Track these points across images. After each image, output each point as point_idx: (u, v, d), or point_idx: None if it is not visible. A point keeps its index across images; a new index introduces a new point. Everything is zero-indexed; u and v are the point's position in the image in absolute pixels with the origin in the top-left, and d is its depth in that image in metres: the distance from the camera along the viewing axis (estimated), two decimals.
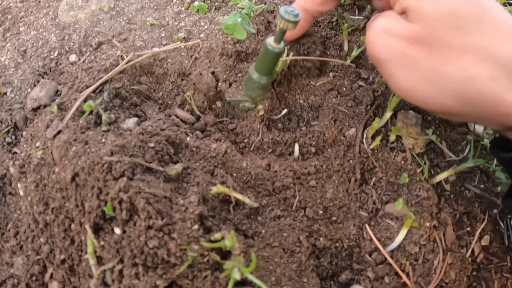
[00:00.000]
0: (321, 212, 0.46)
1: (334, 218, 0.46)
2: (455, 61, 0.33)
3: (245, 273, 0.34)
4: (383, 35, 0.37)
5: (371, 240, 0.45)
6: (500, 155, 0.39)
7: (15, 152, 0.45)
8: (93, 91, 0.45)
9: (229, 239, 0.35)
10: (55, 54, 0.50)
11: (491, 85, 0.33)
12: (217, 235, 0.36)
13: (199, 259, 0.36)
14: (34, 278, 0.40)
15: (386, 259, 0.44)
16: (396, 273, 0.43)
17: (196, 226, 0.36)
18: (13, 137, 0.46)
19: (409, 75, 0.36)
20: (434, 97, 0.36)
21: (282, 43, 0.43)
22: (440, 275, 0.43)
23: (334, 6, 0.49)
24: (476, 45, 0.33)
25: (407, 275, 0.43)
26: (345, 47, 0.58)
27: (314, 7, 0.47)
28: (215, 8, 0.57)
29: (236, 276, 0.34)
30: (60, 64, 0.49)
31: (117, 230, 0.37)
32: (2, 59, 0.50)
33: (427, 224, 0.45)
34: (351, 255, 0.45)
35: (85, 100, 0.44)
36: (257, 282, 0.34)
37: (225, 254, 0.38)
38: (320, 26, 0.63)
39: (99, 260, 0.39)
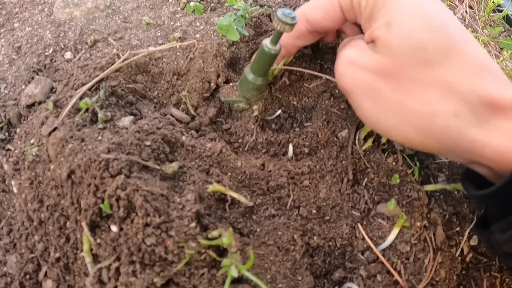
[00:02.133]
0: (314, 211, 0.47)
1: (327, 218, 0.47)
2: (419, 96, 0.33)
3: (242, 270, 0.35)
4: (350, 66, 0.37)
5: (363, 239, 0.46)
6: (471, 192, 0.37)
7: (8, 149, 0.45)
8: (89, 89, 0.45)
9: (227, 237, 0.35)
10: (50, 51, 0.49)
11: (455, 121, 0.32)
12: (214, 233, 0.36)
13: (196, 256, 0.36)
14: (28, 276, 0.40)
15: (378, 257, 0.44)
16: (388, 272, 0.43)
17: (193, 224, 0.36)
18: (6, 133, 0.45)
19: (374, 107, 0.36)
20: (397, 129, 0.36)
21: (278, 45, 0.44)
22: (431, 273, 0.44)
23: (309, 42, 0.47)
24: (441, 80, 0.32)
25: (399, 273, 0.44)
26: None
27: (290, 42, 0.46)
28: (211, 9, 0.57)
29: (234, 273, 0.34)
30: (55, 61, 0.48)
31: (114, 228, 0.37)
32: None
33: (418, 224, 0.46)
34: (343, 253, 0.46)
35: (81, 98, 0.44)
36: (254, 279, 0.35)
37: (221, 252, 0.38)
38: None
39: (95, 258, 0.38)
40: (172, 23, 0.54)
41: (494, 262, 0.47)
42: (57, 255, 0.40)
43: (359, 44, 0.38)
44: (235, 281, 0.38)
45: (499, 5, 0.70)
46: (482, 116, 0.32)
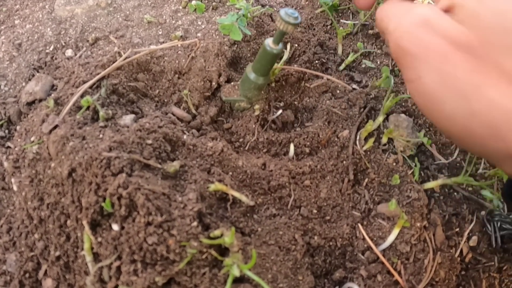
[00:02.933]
0: (315, 211, 0.47)
1: (328, 217, 0.47)
2: (503, 87, 0.27)
3: (244, 270, 0.35)
4: (423, 26, 0.30)
5: (363, 239, 0.46)
6: None
7: (8, 147, 0.44)
8: (90, 87, 0.45)
9: (229, 236, 0.35)
10: (51, 49, 0.49)
11: None
12: (216, 232, 0.36)
13: (197, 256, 0.36)
14: (27, 275, 0.40)
15: (378, 257, 0.45)
16: (388, 272, 0.44)
17: (195, 223, 0.36)
18: (6, 131, 0.45)
19: (441, 83, 0.30)
20: (462, 118, 0.29)
21: (280, 45, 0.44)
22: (431, 273, 0.44)
23: None
24: None
25: (399, 273, 0.44)
26: (339, 51, 0.60)
27: None
28: (212, 8, 0.57)
29: (236, 272, 0.34)
30: (56, 58, 0.48)
31: (115, 227, 0.37)
32: None
33: (418, 224, 0.46)
34: (344, 253, 0.46)
35: (82, 96, 0.44)
36: (256, 278, 0.35)
37: (223, 252, 0.38)
38: (314, 29, 0.64)
39: (96, 257, 0.38)
40: (173, 21, 0.54)
41: (493, 263, 0.47)
42: (57, 253, 0.40)
43: (433, 7, 0.31)
44: (237, 280, 0.38)
45: None
46: None
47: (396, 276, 0.43)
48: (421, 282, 0.44)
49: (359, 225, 0.47)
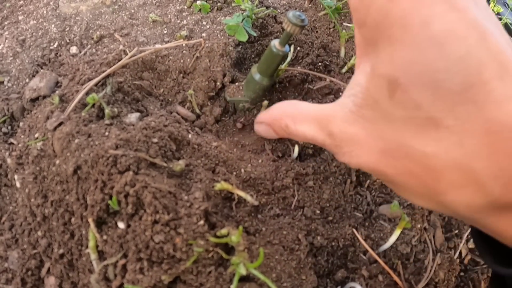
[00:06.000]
0: (318, 212, 0.47)
1: (330, 218, 0.48)
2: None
3: (250, 269, 0.35)
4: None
5: (365, 240, 0.47)
6: (499, 270, 0.26)
7: (11, 143, 0.44)
8: (95, 84, 0.45)
9: (236, 235, 0.36)
10: (55, 45, 0.49)
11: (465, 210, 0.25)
12: (223, 231, 0.36)
13: (203, 254, 0.36)
14: (30, 272, 0.39)
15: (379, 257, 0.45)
16: (389, 272, 0.44)
17: (201, 222, 0.36)
18: (9, 127, 0.45)
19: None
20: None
21: (287, 46, 0.44)
22: (430, 274, 0.45)
23: None
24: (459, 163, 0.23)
25: (398, 274, 0.45)
26: (342, 54, 0.60)
27: None
28: (217, 9, 0.57)
29: (242, 271, 0.35)
30: (60, 55, 0.48)
31: (121, 225, 0.37)
32: (0, 47, 0.48)
33: (418, 225, 0.47)
34: (346, 254, 0.47)
35: (87, 93, 0.44)
36: (262, 277, 0.35)
37: (228, 251, 0.38)
38: (317, 32, 0.65)
39: (101, 255, 0.38)
40: (178, 21, 0.54)
41: None
42: (61, 251, 0.40)
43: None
44: (242, 279, 0.38)
45: (498, 14, 0.72)
46: (508, 207, 0.23)
47: (395, 277, 0.44)
48: (420, 283, 0.45)
49: (354, 230, 0.47)
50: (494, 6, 0.74)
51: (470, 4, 0.22)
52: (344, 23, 0.65)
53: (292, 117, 0.35)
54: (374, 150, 0.27)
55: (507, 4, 0.75)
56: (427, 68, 0.22)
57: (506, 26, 0.72)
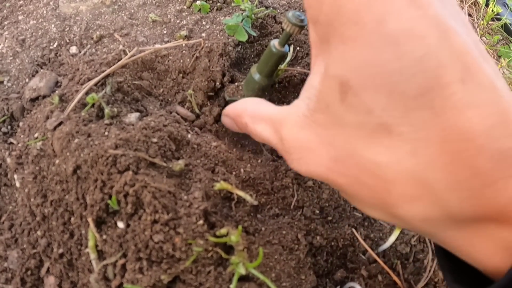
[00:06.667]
0: (317, 211, 0.47)
1: (330, 218, 0.48)
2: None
3: (249, 268, 0.35)
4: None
5: (364, 240, 0.47)
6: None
7: (11, 143, 0.44)
8: (95, 84, 0.45)
9: (235, 235, 0.36)
10: (55, 45, 0.49)
11: (421, 225, 0.23)
12: (222, 231, 0.36)
13: (203, 254, 0.36)
14: (29, 272, 0.40)
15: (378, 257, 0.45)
16: (389, 272, 0.44)
17: (201, 222, 0.36)
18: (9, 127, 0.45)
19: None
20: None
21: (286, 46, 0.45)
22: (430, 274, 0.45)
23: None
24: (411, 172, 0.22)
25: (398, 274, 0.45)
26: None
27: None
28: (217, 9, 0.57)
29: (242, 270, 0.35)
30: (60, 55, 0.48)
31: (120, 224, 0.37)
32: (0, 47, 0.48)
33: None
34: (345, 254, 0.47)
35: (87, 93, 0.44)
36: (261, 277, 0.35)
37: (227, 250, 0.38)
38: None
39: (100, 255, 0.38)
40: (178, 21, 0.54)
41: None
42: (61, 251, 0.40)
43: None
44: (241, 279, 0.38)
45: (498, 14, 0.72)
46: (466, 221, 0.22)
47: (394, 277, 0.44)
48: (419, 282, 0.45)
49: (354, 230, 0.47)
50: (494, 6, 0.74)
51: (433, 0, 0.20)
52: None
53: (251, 116, 0.34)
54: (324, 158, 0.25)
55: (507, 4, 0.75)
56: (380, 69, 0.20)
57: (505, 26, 0.72)
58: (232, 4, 0.58)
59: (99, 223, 0.38)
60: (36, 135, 0.43)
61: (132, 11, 0.54)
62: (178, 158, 0.43)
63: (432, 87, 0.19)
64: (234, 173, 0.46)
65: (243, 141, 0.51)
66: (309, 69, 0.56)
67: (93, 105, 0.43)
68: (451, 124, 0.19)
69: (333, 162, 0.25)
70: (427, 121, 0.20)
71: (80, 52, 0.49)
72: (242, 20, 0.51)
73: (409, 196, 0.22)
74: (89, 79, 0.45)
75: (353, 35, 0.20)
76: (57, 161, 0.40)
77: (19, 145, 0.43)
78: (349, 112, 0.22)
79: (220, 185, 0.41)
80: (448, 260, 0.26)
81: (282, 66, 0.53)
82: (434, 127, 0.20)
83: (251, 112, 0.34)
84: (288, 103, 0.56)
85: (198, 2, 0.56)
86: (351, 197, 0.27)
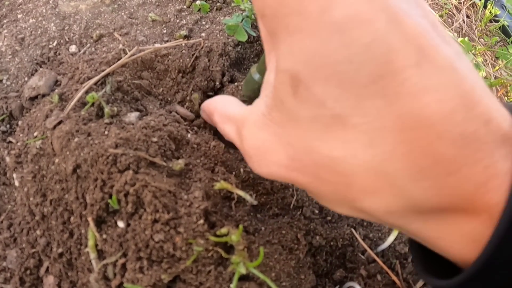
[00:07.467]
0: (317, 211, 0.47)
1: (329, 218, 0.48)
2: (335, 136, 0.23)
3: (250, 268, 0.35)
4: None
5: (363, 239, 0.47)
6: (429, 282, 0.24)
7: (10, 142, 0.44)
8: (95, 83, 0.45)
9: (235, 234, 0.36)
10: (54, 44, 0.49)
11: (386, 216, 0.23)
12: (222, 230, 0.36)
13: (203, 253, 0.36)
14: (28, 272, 0.39)
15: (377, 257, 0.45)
16: (388, 271, 0.44)
17: (201, 221, 0.36)
18: (8, 126, 0.45)
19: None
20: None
21: None
22: None
23: None
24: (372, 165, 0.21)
25: (397, 273, 0.45)
26: None
27: None
28: (217, 8, 0.57)
29: (242, 270, 0.35)
30: (59, 54, 0.48)
31: (121, 224, 0.37)
32: None
33: None
34: (344, 253, 0.47)
35: (87, 92, 0.44)
36: (262, 276, 0.35)
37: (227, 250, 0.38)
38: None
39: (100, 254, 0.38)
40: (178, 20, 0.54)
41: None
42: (60, 250, 0.40)
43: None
44: (241, 278, 0.38)
45: (496, 16, 0.73)
46: (432, 212, 0.21)
47: (393, 277, 0.44)
48: (418, 282, 0.45)
49: (353, 230, 0.47)
50: (492, 8, 0.74)
51: None
52: None
53: (220, 115, 0.33)
54: (283, 158, 0.24)
55: (505, 6, 0.76)
56: (328, 59, 0.19)
57: (503, 28, 0.73)
58: (232, 4, 0.58)
59: (99, 223, 0.38)
60: (35, 134, 0.43)
61: (132, 10, 0.54)
62: (178, 158, 0.43)
63: (384, 74, 0.18)
64: (234, 172, 0.46)
65: None
66: None
67: (92, 104, 0.43)
68: (407, 111, 0.18)
69: (291, 161, 0.24)
70: (381, 110, 0.19)
71: (79, 51, 0.49)
72: (242, 20, 0.51)
73: (370, 189, 0.21)
74: (89, 78, 0.45)
75: (298, 26, 0.19)
76: (56, 160, 0.40)
77: (18, 144, 0.43)
78: (302, 107, 0.21)
79: (220, 184, 0.41)
80: (421, 250, 0.25)
81: None
82: (389, 115, 0.19)
83: (219, 111, 0.34)
84: None
85: (198, 2, 0.56)
86: (316, 195, 0.26)
